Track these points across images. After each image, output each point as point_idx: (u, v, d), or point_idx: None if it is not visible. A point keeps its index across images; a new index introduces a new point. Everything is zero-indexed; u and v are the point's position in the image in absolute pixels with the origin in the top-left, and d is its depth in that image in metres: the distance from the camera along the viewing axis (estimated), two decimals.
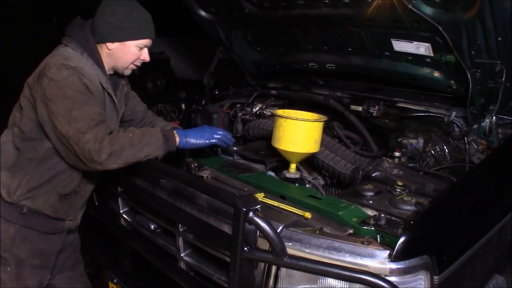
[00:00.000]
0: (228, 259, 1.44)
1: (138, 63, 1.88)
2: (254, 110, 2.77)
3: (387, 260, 1.28)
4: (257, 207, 1.31)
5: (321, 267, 1.24)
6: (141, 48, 1.83)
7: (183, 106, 2.94)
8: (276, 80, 3.18)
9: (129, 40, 1.79)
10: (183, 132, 1.91)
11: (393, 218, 1.51)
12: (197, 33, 4.26)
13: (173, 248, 1.82)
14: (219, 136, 1.97)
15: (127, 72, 1.90)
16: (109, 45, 1.80)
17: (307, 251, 1.36)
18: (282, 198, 1.72)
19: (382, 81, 2.59)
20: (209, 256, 1.67)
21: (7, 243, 1.78)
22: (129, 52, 1.81)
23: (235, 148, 2.31)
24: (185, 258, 1.78)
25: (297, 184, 1.90)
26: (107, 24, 1.77)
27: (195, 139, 1.91)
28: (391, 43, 2.27)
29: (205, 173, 2.03)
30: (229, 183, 1.91)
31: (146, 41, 1.83)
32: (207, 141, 1.94)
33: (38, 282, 1.86)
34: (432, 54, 2.16)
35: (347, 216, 1.53)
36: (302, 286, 1.39)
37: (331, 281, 1.36)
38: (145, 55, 1.86)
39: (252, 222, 1.29)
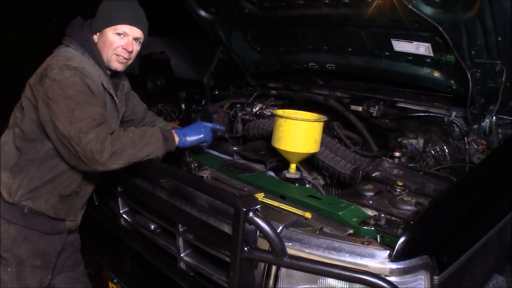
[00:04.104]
0: (228, 259, 1.44)
1: (122, 53, 1.81)
2: (254, 110, 2.77)
3: (387, 260, 1.28)
4: (257, 207, 1.31)
5: (321, 267, 1.24)
6: (121, 36, 1.80)
7: (183, 106, 2.94)
8: (276, 80, 3.18)
9: (105, 28, 1.79)
10: (182, 131, 1.91)
11: (393, 218, 1.51)
12: (197, 33, 4.25)
13: (173, 248, 1.82)
14: (211, 126, 2.03)
15: (114, 65, 1.83)
16: (95, 38, 1.82)
17: (307, 251, 1.36)
18: (282, 198, 1.72)
19: (382, 81, 2.59)
20: (209, 256, 1.67)
21: (8, 243, 1.78)
22: (108, 40, 1.80)
23: (235, 148, 2.31)
24: (185, 258, 1.78)
25: (297, 184, 1.90)
26: (94, 18, 1.82)
27: (193, 137, 1.92)
28: (391, 43, 2.27)
29: (205, 173, 2.03)
30: (229, 183, 1.91)
31: (124, 27, 1.79)
32: (204, 136, 1.96)
33: (39, 282, 1.86)
34: (432, 54, 2.16)
35: (347, 216, 1.53)
36: (302, 286, 1.39)
37: (331, 281, 1.36)
38: (127, 44, 1.81)
39: (252, 222, 1.29)
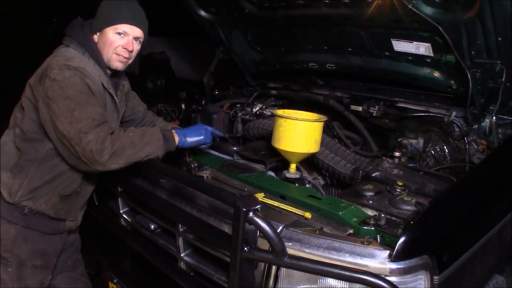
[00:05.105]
0: (228, 259, 1.44)
1: (122, 53, 1.82)
2: (254, 110, 2.77)
3: (387, 260, 1.28)
4: (257, 207, 1.31)
5: (321, 267, 1.24)
6: (121, 35, 1.80)
7: (183, 106, 2.94)
8: (276, 80, 3.18)
9: (105, 28, 1.80)
10: (182, 132, 1.92)
11: (393, 218, 1.51)
12: (197, 33, 4.25)
13: (173, 248, 1.82)
14: (211, 130, 2.03)
15: (114, 64, 1.84)
16: (95, 37, 1.83)
17: (307, 251, 1.36)
18: (282, 198, 1.72)
19: (382, 81, 2.59)
20: (209, 256, 1.67)
21: (8, 243, 1.78)
22: (108, 40, 1.80)
23: (235, 148, 2.31)
24: (185, 258, 1.78)
25: (297, 184, 1.90)
26: (94, 18, 1.82)
27: (193, 138, 1.92)
28: (391, 43, 2.27)
29: (205, 173, 2.04)
30: (229, 183, 1.91)
31: (124, 27, 1.79)
32: (204, 138, 1.96)
33: (39, 282, 1.86)
34: (432, 54, 2.16)
35: (347, 216, 1.53)
36: (302, 286, 1.39)
37: (331, 281, 1.36)
38: (127, 43, 1.81)
39: (252, 222, 1.29)
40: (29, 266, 1.82)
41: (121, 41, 1.80)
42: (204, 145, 2.03)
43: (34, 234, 1.82)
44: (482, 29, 1.84)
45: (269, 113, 2.68)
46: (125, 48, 1.81)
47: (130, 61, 1.88)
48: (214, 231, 1.53)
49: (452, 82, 2.20)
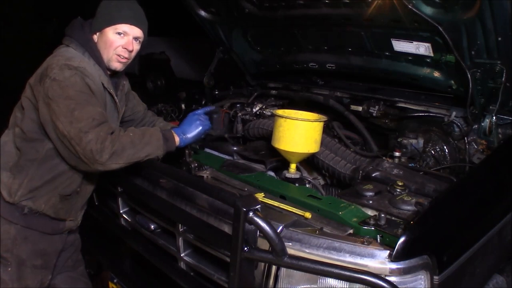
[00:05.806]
0: (228, 259, 1.44)
1: (122, 53, 1.81)
2: (254, 110, 2.77)
3: (387, 260, 1.28)
4: (257, 207, 1.31)
5: (321, 267, 1.24)
6: (121, 35, 1.80)
7: (183, 106, 2.94)
8: (276, 80, 3.18)
9: (105, 28, 1.80)
10: (180, 130, 1.91)
11: (393, 218, 1.51)
12: (197, 33, 4.26)
13: (173, 248, 1.82)
14: (203, 112, 2.02)
15: (114, 65, 1.83)
16: (95, 37, 1.83)
17: (307, 251, 1.36)
18: (282, 198, 1.72)
19: (382, 81, 2.59)
20: (209, 256, 1.67)
21: (8, 243, 1.78)
22: (108, 40, 1.80)
23: (235, 148, 2.31)
24: (185, 258, 1.78)
25: (297, 184, 1.90)
26: (94, 18, 1.82)
27: (193, 132, 1.92)
28: (391, 43, 2.27)
29: (205, 173, 2.03)
30: (229, 183, 1.91)
31: (124, 27, 1.79)
32: (203, 127, 1.95)
33: (39, 282, 1.86)
34: (432, 54, 2.16)
35: (347, 216, 1.53)
36: (302, 286, 1.39)
37: (331, 281, 1.36)
38: (127, 43, 1.81)
39: (252, 222, 1.29)
40: (29, 266, 1.82)
41: (121, 41, 1.81)
42: (206, 131, 2.02)
43: (34, 234, 1.82)
44: (482, 29, 1.84)
45: (269, 113, 2.69)
46: (125, 48, 1.81)
47: (129, 61, 1.88)
48: (214, 231, 1.53)
49: (452, 82, 2.20)
